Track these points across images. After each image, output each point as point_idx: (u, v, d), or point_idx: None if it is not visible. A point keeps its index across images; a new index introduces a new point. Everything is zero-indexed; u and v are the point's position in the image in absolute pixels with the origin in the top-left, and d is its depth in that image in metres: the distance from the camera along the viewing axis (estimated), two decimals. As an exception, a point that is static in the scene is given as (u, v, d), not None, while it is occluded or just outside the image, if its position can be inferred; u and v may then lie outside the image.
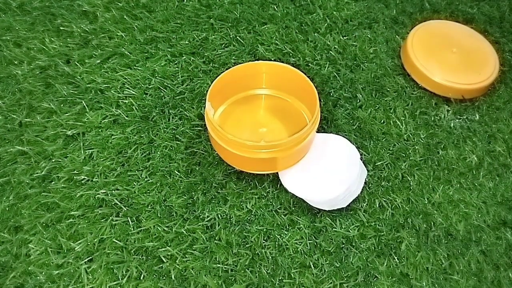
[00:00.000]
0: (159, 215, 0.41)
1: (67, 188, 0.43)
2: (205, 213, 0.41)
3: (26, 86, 0.50)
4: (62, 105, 0.48)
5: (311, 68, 0.53)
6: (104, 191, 0.42)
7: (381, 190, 0.43)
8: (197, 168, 0.44)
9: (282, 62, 0.52)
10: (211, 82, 0.44)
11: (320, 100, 0.43)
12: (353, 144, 0.44)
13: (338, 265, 0.39)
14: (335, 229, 0.41)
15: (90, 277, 0.38)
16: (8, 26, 0.55)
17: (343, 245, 0.40)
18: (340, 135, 0.46)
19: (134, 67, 0.51)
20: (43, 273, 0.38)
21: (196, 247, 0.40)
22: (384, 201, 0.43)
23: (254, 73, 0.46)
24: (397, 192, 0.43)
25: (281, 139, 0.39)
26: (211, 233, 0.40)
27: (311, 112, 0.45)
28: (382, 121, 0.48)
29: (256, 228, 0.41)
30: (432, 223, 0.42)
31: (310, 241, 0.40)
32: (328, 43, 0.55)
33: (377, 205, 0.42)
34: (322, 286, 0.38)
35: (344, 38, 0.56)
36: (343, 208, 0.41)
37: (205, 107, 0.43)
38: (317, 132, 0.43)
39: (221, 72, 0.44)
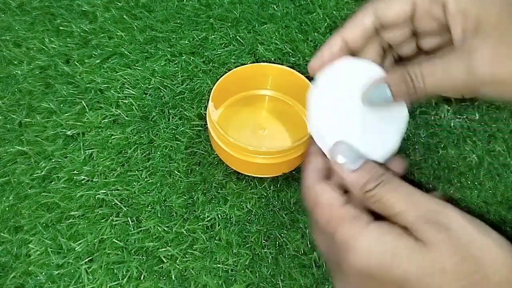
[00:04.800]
0: (159, 215, 0.41)
1: (67, 188, 0.42)
2: (205, 213, 0.41)
3: (25, 86, 0.50)
4: (62, 105, 0.48)
5: (311, 68, 0.52)
6: (104, 191, 0.42)
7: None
8: (197, 168, 0.44)
9: (282, 62, 0.52)
10: (214, 82, 0.44)
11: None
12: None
13: (338, 265, 0.39)
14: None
15: (91, 277, 0.38)
16: (7, 26, 0.55)
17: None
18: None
19: (134, 67, 0.51)
20: (43, 273, 0.38)
21: (196, 247, 0.40)
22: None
23: (260, 74, 0.46)
24: (397, 192, 0.43)
25: (282, 146, 0.39)
26: (211, 233, 0.40)
27: None
28: (382, 120, 0.48)
29: (256, 228, 0.41)
30: (432, 222, 0.42)
31: (311, 240, 0.40)
32: (328, 42, 0.55)
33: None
34: (324, 286, 0.38)
35: (344, 37, 0.56)
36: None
37: (205, 106, 0.43)
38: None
39: (224, 73, 0.44)
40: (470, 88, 0.28)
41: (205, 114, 0.46)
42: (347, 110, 0.31)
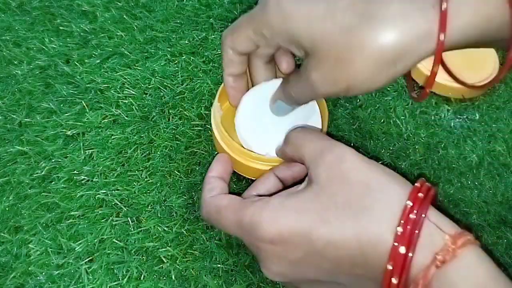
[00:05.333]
0: (159, 215, 0.41)
1: (67, 188, 0.43)
2: (205, 213, 0.41)
3: (25, 86, 0.50)
4: (62, 105, 0.48)
5: (311, 68, 0.52)
6: (104, 191, 0.42)
7: (381, 190, 0.43)
8: (197, 168, 0.44)
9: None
10: (214, 82, 0.44)
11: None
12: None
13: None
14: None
15: (91, 277, 0.38)
16: (7, 26, 0.55)
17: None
18: (340, 134, 0.46)
19: (134, 67, 0.51)
20: (43, 273, 0.38)
21: (196, 247, 0.40)
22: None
23: None
24: (397, 192, 0.43)
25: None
26: (211, 233, 0.40)
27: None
28: (382, 120, 0.48)
29: (257, 228, 0.41)
30: (433, 222, 0.42)
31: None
32: (328, 42, 0.55)
33: (378, 205, 0.42)
34: (323, 286, 0.38)
35: (344, 37, 0.56)
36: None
37: (205, 106, 0.43)
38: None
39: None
40: (326, 94, 0.31)
41: (205, 114, 0.46)
42: (269, 123, 0.38)
